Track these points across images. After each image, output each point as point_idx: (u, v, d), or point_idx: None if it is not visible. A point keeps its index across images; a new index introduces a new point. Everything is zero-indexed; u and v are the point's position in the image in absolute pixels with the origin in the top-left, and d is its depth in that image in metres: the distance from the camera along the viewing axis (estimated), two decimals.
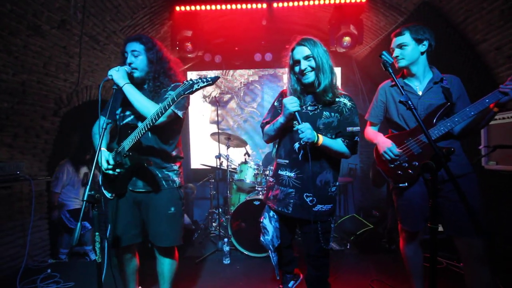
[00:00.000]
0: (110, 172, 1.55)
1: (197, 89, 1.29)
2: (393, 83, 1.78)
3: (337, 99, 1.53)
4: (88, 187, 1.16)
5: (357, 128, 1.54)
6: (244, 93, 4.73)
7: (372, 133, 1.87)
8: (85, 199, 1.15)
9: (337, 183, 1.61)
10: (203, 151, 4.68)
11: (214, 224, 3.76)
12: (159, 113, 1.38)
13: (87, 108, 3.20)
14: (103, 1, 2.69)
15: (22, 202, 2.72)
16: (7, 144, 2.65)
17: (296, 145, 1.56)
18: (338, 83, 5.17)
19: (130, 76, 1.56)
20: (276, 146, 1.73)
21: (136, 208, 1.68)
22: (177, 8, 3.19)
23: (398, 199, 1.75)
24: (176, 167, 1.73)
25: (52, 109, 2.97)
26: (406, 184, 1.65)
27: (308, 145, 1.45)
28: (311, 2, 3.17)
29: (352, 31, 3.18)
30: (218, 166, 3.64)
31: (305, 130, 1.42)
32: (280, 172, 1.62)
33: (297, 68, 1.50)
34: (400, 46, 1.68)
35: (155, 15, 3.32)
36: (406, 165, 1.65)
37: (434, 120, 1.62)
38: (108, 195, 1.62)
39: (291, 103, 1.46)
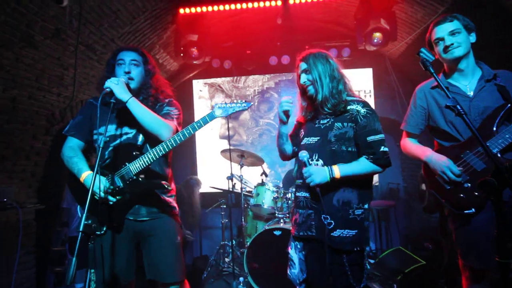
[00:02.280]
0: (110, 200, 1.58)
1: (231, 114, 1.51)
2: (435, 83, 1.73)
3: (348, 107, 1.60)
4: (84, 215, 1.17)
5: (380, 136, 1.56)
6: (258, 102, 4.78)
7: (414, 147, 1.80)
8: (80, 229, 1.15)
9: (366, 206, 1.59)
10: (212, 171, 4.70)
11: (227, 260, 3.69)
12: (186, 134, 1.53)
13: None
14: (101, 6, 2.85)
15: (7, 233, 2.78)
16: None
17: (307, 163, 1.63)
18: (370, 86, 5.04)
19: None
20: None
21: (135, 241, 1.70)
22: (181, 11, 3.32)
23: (458, 228, 1.65)
24: (173, 191, 1.81)
25: (43, 127, 3.09)
26: (473, 210, 1.55)
27: (322, 186, 1.52)
28: None
29: (384, 26, 3.19)
30: (231, 189, 3.62)
31: (311, 174, 1.51)
32: (297, 193, 1.71)
33: (300, 82, 1.69)
34: (453, 32, 1.64)
35: (157, 19, 3.48)
36: (469, 185, 1.57)
37: (494, 127, 1.55)
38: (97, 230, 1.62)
39: (283, 101, 1.68)
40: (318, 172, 1.51)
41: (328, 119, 1.62)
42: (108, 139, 1.67)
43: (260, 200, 3.43)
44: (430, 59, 1.32)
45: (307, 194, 1.62)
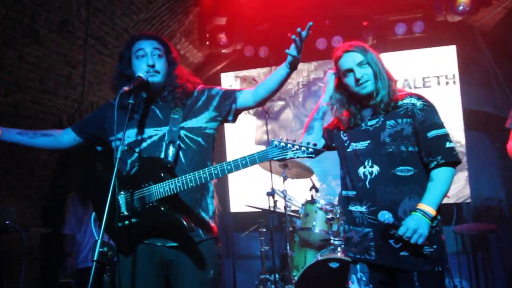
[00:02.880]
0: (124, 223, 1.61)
1: (290, 158, 1.50)
2: None
3: (400, 102, 1.71)
4: (99, 242, 1.18)
5: (442, 131, 1.64)
6: (303, 98, 4.74)
7: None
8: (95, 258, 1.17)
9: (439, 217, 1.64)
10: (248, 186, 4.70)
11: None
12: (225, 170, 1.53)
13: None
14: None
15: (9, 260, 2.96)
16: None
17: (361, 169, 1.71)
18: (453, 69, 4.84)
19: (145, 83, 1.67)
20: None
21: (163, 273, 1.70)
22: None
23: None
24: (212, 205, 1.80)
25: None
26: None
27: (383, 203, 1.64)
28: None
29: None
30: (272, 208, 3.58)
31: (417, 228, 1.54)
32: (350, 207, 1.77)
33: (349, 79, 1.74)
34: None
35: (177, 2, 3.59)
36: None
37: None
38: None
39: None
40: (418, 222, 1.54)
41: (377, 119, 1.73)
42: (126, 147, 1.70)
43: (310, 222, 3.37)
44: None
45: (362, 209, 1.68)
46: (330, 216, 3.29)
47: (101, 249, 1.17)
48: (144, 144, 1.72)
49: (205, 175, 1.54)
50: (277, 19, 4.36)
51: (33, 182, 3.26)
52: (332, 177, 4.56)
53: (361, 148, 1.74)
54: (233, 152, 4.87)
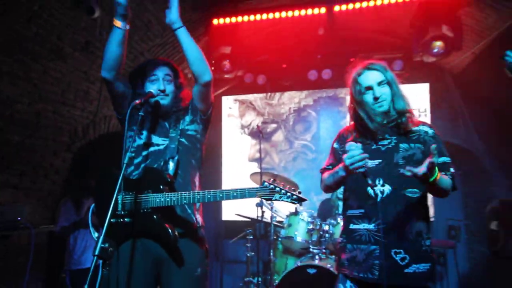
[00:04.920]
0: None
1: (274, 200, 1.51)
2: None
3: (414, 128, 1.63)
4: (101, 237, 1.16)
5: (449, 159, 1.62)
6: (294, 122, 4.77)
7: None
8: (96, 253, 1.15)
9: (430, 237, 1.63)
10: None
11: None
12: (217, 197, 1.54)
13: (104, 142, 3.47)
14: (133, 18, 3.06)
15: (17, 256, 2.89)
16: (12, 185, 2.93)
17: (370, 189, 1.61)
18: (426, 104, 4.87)
19: (155, 105, 1.70)
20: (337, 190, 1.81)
21: (155, 271, 1.67)
22: (215, 21, 3.47)
23: None
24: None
25: (65, 144, 3.27)
26: None
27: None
28: (385, 0, 3.20)
29: (446, 33, 3.15)
30: (259, 218, 3.55)
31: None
32: (354, 226, 1.65)
33: (368, 97, 1.64)
34: None
35: (189, 30, 3.64)
36: None
37: None
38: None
39: (352, 157, 1.46)
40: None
41: (389, 140, 1.63)
42: (134, 154, 1.70)
43: (292, 232, 3.32)
44: None
45: (370, 226, 1.58)
46: (311, 227, 3.26)
47: (102, 245, 1.15)
48: (152, 149, 1.72)
49: (198, 197, 1.56)
50: (274, 52, 4.44)
51: (45, 185, 3.22)
52: (314, 193, 4.52)
53: (371, 166, 1.61)
54: (228, 167, 4.83)
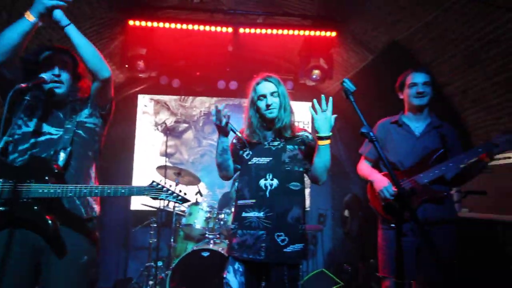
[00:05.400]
0: None
1: (161, 199, 1.51)
2: (394, 120, 2.09)
3: (298, 133, 1.80)
4: None
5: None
6: (203, 123, 4.82)
7: (367, 169, 2.13)
8: None
9: (304, 224, 1.75)
10: None
11: (150, 282, 3.47)
12: (111, 192, 1.45)
13: None
14: None
15: None
16: None
17: (262, 181, 1.70)
18: (309, 118, 5.40)
19: (49, 92, 1.53)
20: (236, 184, 1.88)
21: (35, 260, 1.46)
22: (131, 22, 3.34)
23: (385, 243, 1.95)
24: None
25: None
26: (393, 225, 1.90)
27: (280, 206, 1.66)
28: (279, 31, 3.52)
29: (322, 65, 3.53)
30: (162, 207, 3.51)
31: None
32: (245, 214, 1.71)
33: (262, 103, 1.74)
34: (426, 83, 1.98)
35: (105, 28, 3.43)
36: (397, 205, 1.86)
37: (430, 163, 1.88)
38: None
39: (215, 114, 1.69)
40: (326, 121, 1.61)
41: (279, 142, 1.75)
42: (11, 139, 1.48)
43: (192, 220, 3.38)
44: (352, 88, 1.50)
45: (260, 214, 1.66)
46: (208, 215, 3.37)
47: None
48: (42, 138, 1.51)
49: (85, 191, 1.43)
50: (190, 60, 4.47)
51: None
52: (217, 187, 4.63)
53: (263, 163, 1.72)
54: (140, 161, 4.64)
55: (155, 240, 3.59)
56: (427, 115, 2.05)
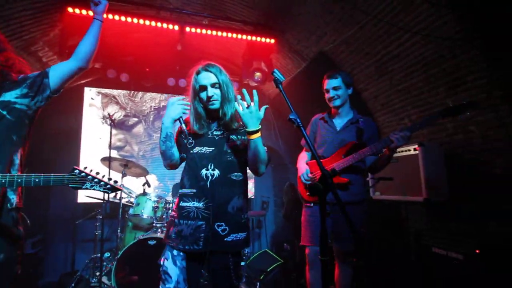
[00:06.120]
0: None
1: (86, 189, 1.22)
2: (321, 116, 2.10)
3: (237, 123, 1.55)
4: None
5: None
6: (154, 118, 4.35)
7: (299, 160, 2.17)
8: None
9: (248, 213, 1.56)
10: None
11: (97, 273, 2.98)
12: (37, 181, 1.17)
13: None
14: None
15: None
16: None
17: (203, 171, 1.45)
18: None
19: None
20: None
21: None
22: (70, 9, 2.75)
23: (305, 219, 2.00)
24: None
25: None
26: (312, 204, 1.97)
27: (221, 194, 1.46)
28: (224, 34, 3.28)
29: (263, 68, 3.40)
30: (106, 199, 3.03)
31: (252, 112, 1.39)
32: (184, 204, 1.45)
33: (203, 94, 1.48)
34: (336, 88, 1.98)
35: (43, 14, 2.79)
36: (320, 187, 1.89)
37: (343, 155, 1.91)
38: None
39: (175, 105, 1.46)
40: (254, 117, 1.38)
41: (222, 131, 1.51)
42: None
43: (139, 210, 2.99)
44: (281, 79, 1.36)
45: (199, 204, 1.42)
46: (155, 205, 3.01)
47: None
48: None
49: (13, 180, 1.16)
50: (139, 55, 3.95)
51: None
52: (168, 178, 4.23)
53: (206, 152, 1.47)
54: (87, 154, 3.98)
55: (100, 231, 3.08)
56: (348, 111, 2.05)
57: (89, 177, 1.23)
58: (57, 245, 3.73)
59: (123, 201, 3.16)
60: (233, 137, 1.51)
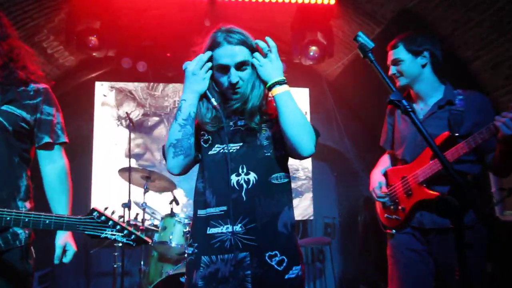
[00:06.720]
0: None
1: (104, 238, 1.23)
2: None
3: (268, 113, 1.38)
4: None
5: None
6: None
7: (378, 164, 2.02)
8: None
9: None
10: (110, 196, 4.04)
11: None
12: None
13: None
14: None
15: None
16: None
17: (233, 178, 1.26)
18: (306, 107, 5.07)
19: None
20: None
21: None
22: None
23: (389, 253, 1.84)
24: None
25: None
26: (394, 231, 1.81)
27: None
28: None
29: (320, 40, 3.29)
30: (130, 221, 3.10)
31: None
32: (212, 230, 1.26)
33: (222, 77, 1.31)
34: (395, 61, 1.76)
35: None
36: (393, 208, 1.80)
37: (431, 157, 1.60)
38: None
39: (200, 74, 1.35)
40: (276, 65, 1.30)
41: (246, 123, 1.34)
42: None
43: (167, 236, 2.98)
44: (370, 45, 1.20)
45: (236, 228, 1.23)
46: (187, 229, 3.00)
47: None
48: None
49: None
50: (158, 38, 4.05)
51: None
52: None
53: (232, 151, 1.30)
54: (100, 163, 4.18)
55: (120, 263, 3.17)
56: (433, 89, 1.76)
57: (111, 222, 1.22)
58: (68, 279, 3.93)
59: (146, 224, 3.22)
60: (264, 124, 1.34)
